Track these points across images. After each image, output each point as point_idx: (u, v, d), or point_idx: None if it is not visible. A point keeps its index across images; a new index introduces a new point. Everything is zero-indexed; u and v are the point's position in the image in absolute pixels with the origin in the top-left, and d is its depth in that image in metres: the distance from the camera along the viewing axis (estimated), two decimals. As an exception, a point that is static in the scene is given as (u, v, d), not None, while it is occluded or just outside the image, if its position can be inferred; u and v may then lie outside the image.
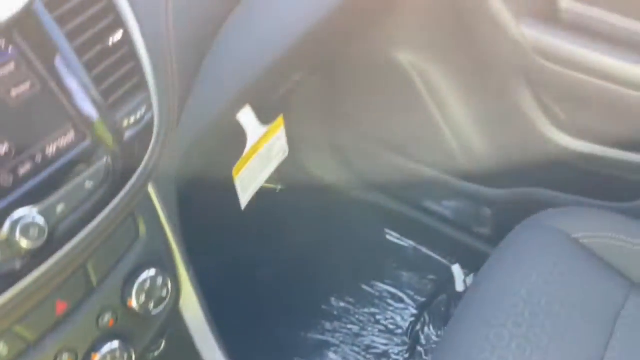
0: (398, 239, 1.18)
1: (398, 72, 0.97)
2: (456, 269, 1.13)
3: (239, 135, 0.63)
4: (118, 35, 0.45)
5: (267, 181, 1.29)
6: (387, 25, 0.93)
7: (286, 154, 0.75)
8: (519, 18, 0.78)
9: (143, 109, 0.46)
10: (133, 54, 0.46)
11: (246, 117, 0.60)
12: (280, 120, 0.69)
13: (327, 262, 1.16)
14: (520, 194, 0.97)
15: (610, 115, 0.81)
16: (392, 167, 1.11)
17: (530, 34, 0.77)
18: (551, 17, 0.80)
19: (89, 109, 0.42)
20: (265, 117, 0.65)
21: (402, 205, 1.15)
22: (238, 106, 0.60)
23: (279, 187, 1.26)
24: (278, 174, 1.24)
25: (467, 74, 0.94)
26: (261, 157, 0.65)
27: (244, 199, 0.66)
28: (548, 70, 0.78)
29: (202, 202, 0.69)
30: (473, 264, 1.12)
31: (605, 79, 0.74)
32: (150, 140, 0.46)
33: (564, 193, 0.93)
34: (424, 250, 1.17)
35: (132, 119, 0.45)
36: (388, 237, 1.19)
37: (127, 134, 0.45)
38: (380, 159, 1.11)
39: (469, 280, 1.11)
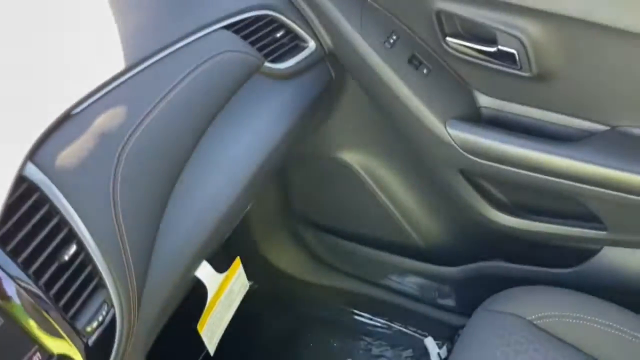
0: (369, 319, 1.22)
1: (346, 169, 1.04)
2: (429, 342, 1.16)
3: (198, 287, 0.66)
4: (72, 248, 0.48)
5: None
6: (328, 130, 0.99)
7: (247, 287, 0.78)
8: (445, 120, 0.85)
9: (104, 310, 0.49)
10: (89, 260, 0.49)
11: (204, 272, 0.63)
12: (237, 262, 0.72)
13: (303, 355, 1.18)
14: (474, 269, 1.03)
15: (543, 197, 0.87)
16: (353, 254, 1.15)
17: (456, 134, 0.84)
18: (473, 114, 0.87)
19: (52, 329, 0.45)
20: (222, 261, 0.69)
21: (368, 287, 1.19)
22: (195, 266, 0.63)
23: (249, 283, 1.28)
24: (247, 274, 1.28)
25: (409, 168, 1.01)
26: (223, 302, 0.69)
27: (212, 346, 0.69)
28: (477, 164, 0.84)
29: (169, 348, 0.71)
30: (445, 334, 1.16)
31: (529, 170, 0.81)
32: (114, 336, 0.49)
33: (514, 264, 0.99)
34: (397, 326, 1.21)
35: (95, 324, 0.48)
36: (359, 318, 1.22)
37: (92, 339, 0.47)
38: (341, 248, 1.16)
39: (443, 352, 1.14)
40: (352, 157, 1.03)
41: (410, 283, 1.14)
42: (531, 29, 0.75)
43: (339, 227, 1.14)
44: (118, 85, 0.57)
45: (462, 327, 0.85)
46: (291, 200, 1.16)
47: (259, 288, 1.27)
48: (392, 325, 1.20)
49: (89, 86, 0.55)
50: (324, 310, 1.24)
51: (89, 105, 0.54)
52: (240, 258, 1.23)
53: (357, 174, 1.04)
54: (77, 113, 0.53)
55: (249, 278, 1.29)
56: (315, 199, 1.14)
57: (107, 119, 0.54)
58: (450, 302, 1.13)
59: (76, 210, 0.49)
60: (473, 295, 1.06)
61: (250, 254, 1.23)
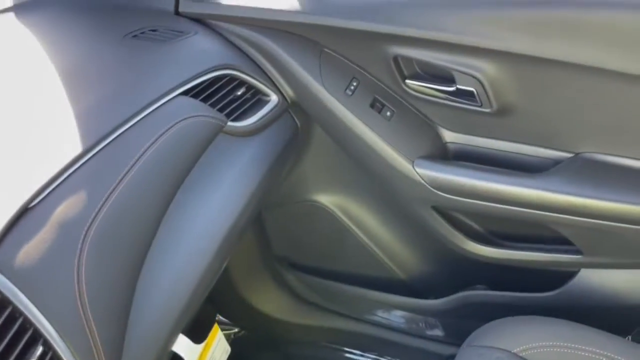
0: (360, 355, 1.21)
1: (322, 210, 1.04)
2: (421, 374, 1.16)
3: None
4: (39, 349, 0.47)
5: (223, 326, 1.29)
6: (300, 175, 0.99)
7: (228, 352, 0.77)
8: (413, 159, 0.85)
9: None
10: (58, 359, 0.48)
11: (181, 345, 0.62)
12: (215, 329, 0.72)
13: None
14: (458, 299, 1.03)
15: (517, 226, 0.88)
16: (337, 293, 1.14)
17: (424, 173, 0.84)
18: (440, 150, 0.88)
19: None
20: (198, 330, 0.68)
21: (355, 323, 1.18)
22: (172, 341, 0.62)
23: (235, 330, 1.27)
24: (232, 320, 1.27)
25: (383, 205, 1.01)
26: (204, 372, 0.68)
27: (197, 418, 0.68)
28: (449, 200, 0.85)
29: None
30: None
31: (499, 202, 0.82)
32: None
33: (496, 291, 0.99)
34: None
35: (68, 423, 0.46)
36: (349, 355, 1.21)
37: None
38: (325, 287, 1.15)
39: (435, 383, 1.14)
40: (327, 199, 1.03)
41: (397, 317, 1.14)
42: (487, 68, 0.76)
43: (321, 267, 1.14)
44: (76, 170, 0.57)
45: (452, 356, 0.85)
46: (270, 244, 1.15)
47: (246, 334, 1.26)
48: (382, 359, 1.19)
49: (46, 175, 0.55)
50: (313, 350, 1.23)
51: (47, 196, 0.53)
52: (224, 305, 1.22)
53: (333, 215, 1.04)
54: (35, 205, 0.52)
55: (234, 324, 1.29)
56: (294, 241, 1.14)
57: (66, 208, 0.53)
58: (438, 332, 1.13)
59: (40, 309, 0.48)
60: (460, 324, 1.05)
61: (233, 300, 1.22)
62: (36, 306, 0.48)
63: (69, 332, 0.49)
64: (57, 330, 0.48)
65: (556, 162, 0.82)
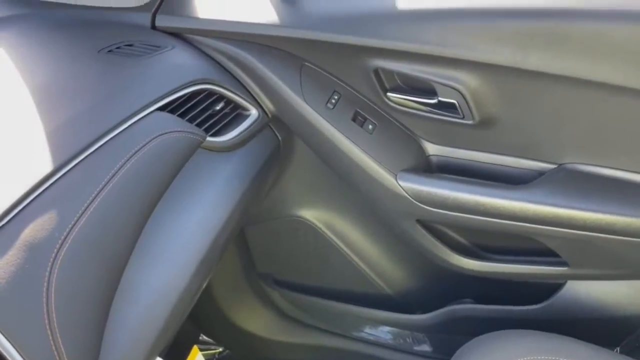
0: (347, 373, 1.19)
1: (306, 226, 1.03)
2: (409, 391, 1.14)
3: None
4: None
5: (206, 346, 1.26)
6: (283, 190, 0.98)
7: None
8: (396, 173, 0.84)
9: None
10: None
11: (158, 370, 0.60)
12: (194, 351, 0.69)
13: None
14: (445, 313, 1.01)
15: (503, 238, 0.87)
16: (323, 310, 1.13)
17: (408, 186, 0.83)
18: (423, 163, 0.87)
19: None
20: (179, 351, 0.65)
21: (343, 340, 1.16)
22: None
23: (219, 349, 1.24)
24: (214, 337, 1.24)
25: (368, 219, 1.00)
26: (183, 396, 0.65)
27: None
28: (433, 213, 0.84)
29: None
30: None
31: (483, 215, 0.81)
32: None
33: (483, 304, 0.98)
34: (374, 377, 1.18)
35: None
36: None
37: None
38: (311, 304, 1.13)
39: (424, 399, 1.12)
40: (311, 214, 1.02)
41: (384, 333, 1.12)
42: (468, 80, 0.75)
43: (306, 284, 1.12)
44: (46, 189, 0.54)
45: (441, 371, 0.83)
46: (253, 261, 1.13)
47: (230, 353, 1.24)
48: (370, 376, 1.17)
49: (14, 195, 0.52)
50: (299, 369, 1.20)
51: (14, 217, 0.51)
52: (207, 324, 1.20)
53: (317, 230, 1.03)
54: (2, 227, 0.50)
55: (218, 343, 1.26)
56: (278, 258, 1.12)
57: (35, 229, 0.51)
58: (426, 347, 1.11)
59: (6, 336, 0.45)
60: (448, 339, 1.04)
61: (216, 319, 1.19)
62: (2, 333, 0.45)
63: (36, 358, 0.47)
64: (23, 358, 0.46)
65: (540, 174, 0.82)
